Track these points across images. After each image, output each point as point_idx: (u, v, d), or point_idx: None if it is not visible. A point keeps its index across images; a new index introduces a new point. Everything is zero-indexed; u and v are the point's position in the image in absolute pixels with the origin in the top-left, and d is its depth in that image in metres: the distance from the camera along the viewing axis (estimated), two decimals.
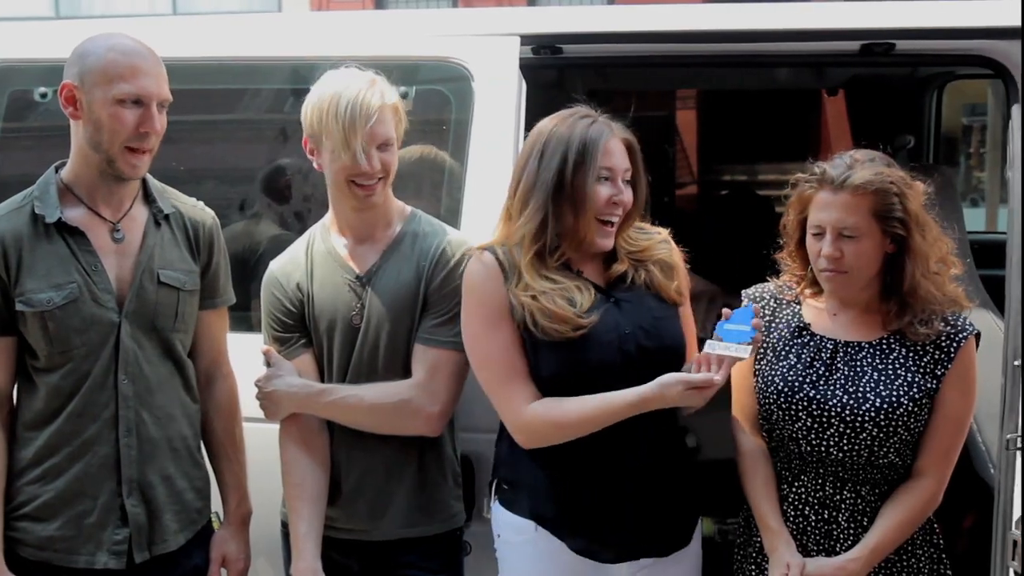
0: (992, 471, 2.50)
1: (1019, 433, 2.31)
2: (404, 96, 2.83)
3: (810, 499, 2.12)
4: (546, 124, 2.14)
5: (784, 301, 2.21)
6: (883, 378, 2.05)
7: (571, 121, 2.11)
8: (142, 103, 2.06)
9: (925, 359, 2.07)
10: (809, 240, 2.09)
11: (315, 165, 2.26)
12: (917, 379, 2.05)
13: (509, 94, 2.61)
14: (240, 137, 3.14)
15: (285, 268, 2.31)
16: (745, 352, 1.98)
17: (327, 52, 2.79)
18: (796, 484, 2.14)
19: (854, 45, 2.59)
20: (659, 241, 2.21)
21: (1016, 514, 2.36)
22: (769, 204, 4.67)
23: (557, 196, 2.07)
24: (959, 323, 2.09)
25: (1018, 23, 2.51)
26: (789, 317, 2.19)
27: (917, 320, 2.06)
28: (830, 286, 2.11)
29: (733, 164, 8.03)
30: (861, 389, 2.05)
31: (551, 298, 2.04)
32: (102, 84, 2.04)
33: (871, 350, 2.09)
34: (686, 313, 2.22)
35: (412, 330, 2.23)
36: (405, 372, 2.23)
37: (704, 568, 2.28)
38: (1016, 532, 2.34)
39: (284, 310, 2.28)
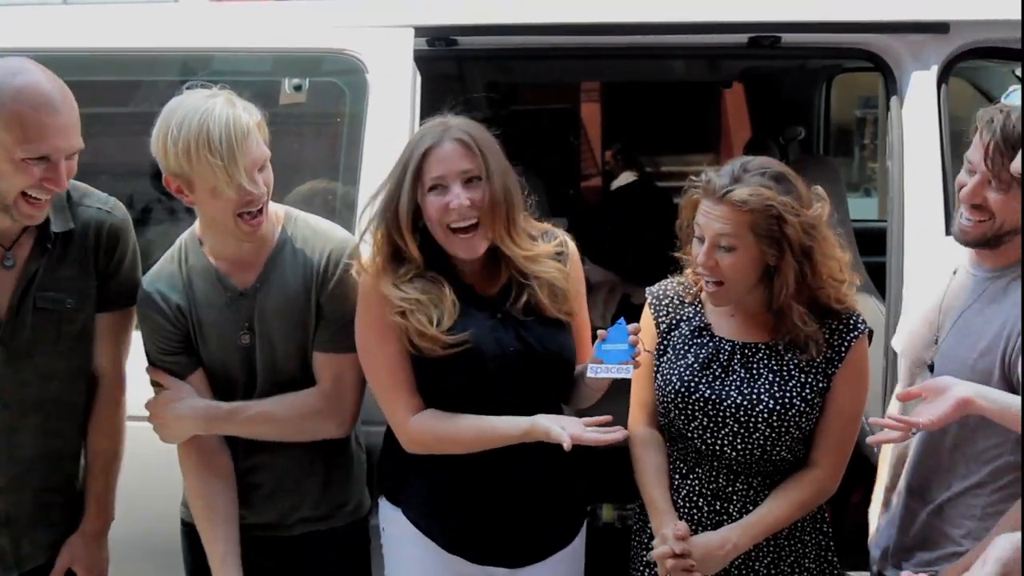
0: (875, 449, 2.59)
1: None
2: (298, 88, 2.81)
3: (703, 491, 2.15)
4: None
5: (686, 300, 2.22)
6: (777, 379, 2.08)
7: (418, 131, 2.09)
8: (49, 159, 1.93)
9: (818, 359, 2.08)
10: (693, 244, 2.09)
11: (185, 202, 2.10)
12: (810, 380, 2.08)
13: (404, 86, 2.60)
14: (132, 131, 3.06)
15: (160, 288, 2.18)
16: (628, 372, 1.99)
17: (221, 43, 2.75)
18: (691, 476, 2.17)
19: (742, 38, 2.64)
20: (551, 253, 2.14)
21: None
22: (668, 196, 4.75)
23: (396, 214, 2.04)
24: (851, 322, 2.10)
25: (896, 18, 2.62)
26: (691, 316, 2.20)
27: (794, 331, 2.06)
28: (708, 296, 2.12)
29: (637, 155, 8.13)
30: (756, 391, 2.08)
31: (415, 316, 2.02)
32: (5, 137, 1.88)
33: (767, 351, 2.11)
34: (578, 322, 2.20)
35: (309, 340, 2.19)
36: (307, 379, 2.20)
37: (603, 554, 2.31)
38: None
39: (167, 332, 2.18)
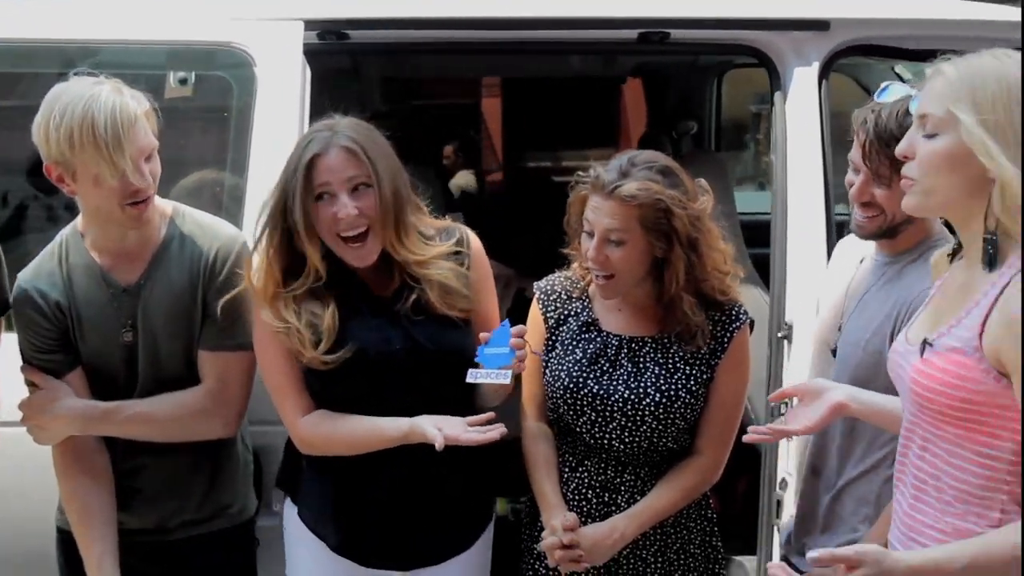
0: None
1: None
2: (183, 82, 2.74)
3: (592, 483, 2.17)
4: None
5: (574, 295, 2.23)
6: (663, 372, 2.11)
7: (302, 138, 2.06)
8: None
9: (703, 351, 2.12)
10: (582, 238, 2.10)
11: (67, 191, 2.04)
12: (695, 371, 2.12)
13: (293, 80, 2.55)
14: (11, 125, 2.95)
15: (39, 286, 2.10)
16: (506, 378, 1.98)
17: (104, 35, 2.66)
18: (580, 469, 2.19)
19: (632, 33, 2.67)
20: (445, 253, 2.11)
21: (780, 476, 2.53)
22: (566, 190, 4.79)
23: (287, 225, 2.00)
24: (733, 313, 2.15)
25: (779, 15, 2.69)
26: (579, 311, 2.21)
27: (675, 336, 2.11)
28: (598, 290, 2.14)
29: (537, 151, 8.19)
30: (642, 384, 2.11)
31: (295, 337, 2.00)
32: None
33: (653, 345, 2.14)
34: (482, 318, 2.15)
35: (194, 338, 2.14)
36: (192, 378, 2.16)
37: (497, 547, 2.32)
38: (780, 492, 2.52)
39: (43, 329, 2.10)
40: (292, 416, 2.09)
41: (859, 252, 2.22)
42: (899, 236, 2.06)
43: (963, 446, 1.56)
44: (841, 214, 2.49)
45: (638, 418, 2.10)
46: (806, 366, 2.40)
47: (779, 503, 2.53)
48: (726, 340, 2.13)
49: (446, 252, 2.11)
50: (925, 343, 1.60)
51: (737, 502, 3.36)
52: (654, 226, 2.01)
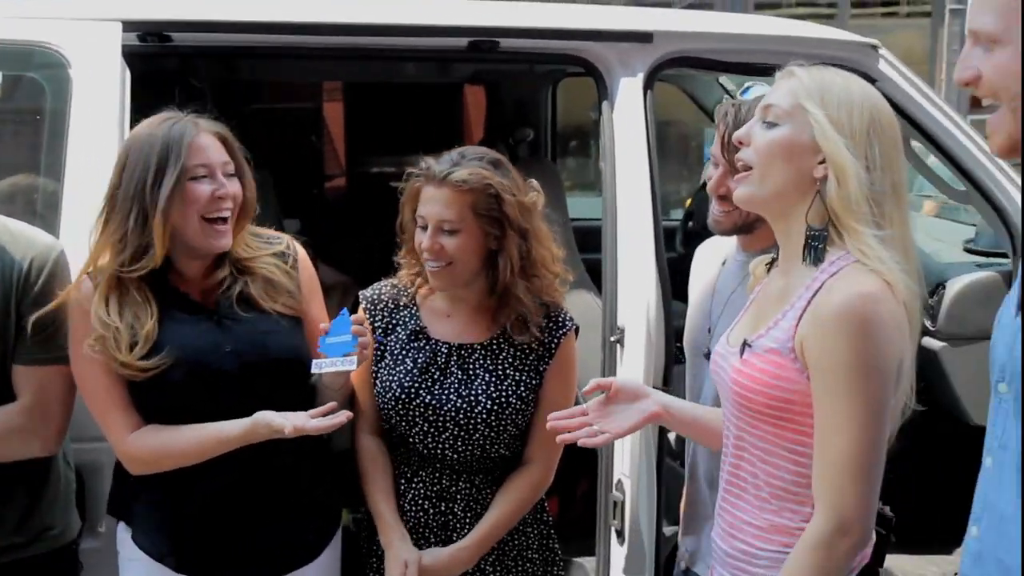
0: None
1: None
2: None
3: (428, 493, 2.17)
4: (132, 133, 2.05)
5: (401, 304, 2.22)
6: (493, 379, 2.13)
7: (153, 125, 2.01)
8: None
9: (531, 357, 2.15)
10: (416, 233, 2.12)
11: None
12: (524, 378, 2.14)
13: (111, 83, 2.45)
14: None
15: None
16: (352, 364, 1.98)
17: None
18: (415, 480, 2.18)
19: (463, 41, 2.69)
20: (273, 252, 2.14)
21: (615, 477, 2.59)
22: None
23: (145, 205, 1.96)
24: (560, 319, 2.18)
25: (605, 27, 2.76)
26: (407, 319, 2.20)
27: (516, 319, 2.13)
28: (434, 280, 2.13)
29: (380, 156, 8.11)
30: (474, 392, 2.12)
31: (109, 344, 1.94)
32: None
33: (483, 351, 2.15)
34: (311, 319, 2.14)
35: (7, 353, 2.03)
36: (6, 395, 2.04)
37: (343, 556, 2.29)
38: (616, 494, 2.57)
39: None
40: (119, 434, 2.00)
41: (720, 254, 2.27)
42: (755, 232, 2.09)
43: (777, 444, 1.62)
44: (671, 220, 2.59)
45: (471, 426, 2.10)
46: (639, 369, 2.46)
47: (616, 504, 2.58)
48: (553, 346, 2.16)
49: (272, 252, 2.14)
50: (745, 344, 1.66)
51: (577, 504, 3.42)
52: (486, 212, 2.05)
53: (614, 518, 2.57)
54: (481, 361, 2.14)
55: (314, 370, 1.99)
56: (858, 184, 1.55)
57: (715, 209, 2.12)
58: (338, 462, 2.28)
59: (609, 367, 2.63)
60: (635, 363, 2.50)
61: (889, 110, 1.63)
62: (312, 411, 1.97)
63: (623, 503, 2.52)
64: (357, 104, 7.80)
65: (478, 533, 2.13)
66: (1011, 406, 1.29)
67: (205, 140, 2.01)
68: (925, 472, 3.19)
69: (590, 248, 3.46)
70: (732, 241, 2.22)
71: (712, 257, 2.31)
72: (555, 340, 2.16)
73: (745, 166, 1.66)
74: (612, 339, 2.62)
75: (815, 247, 1.59)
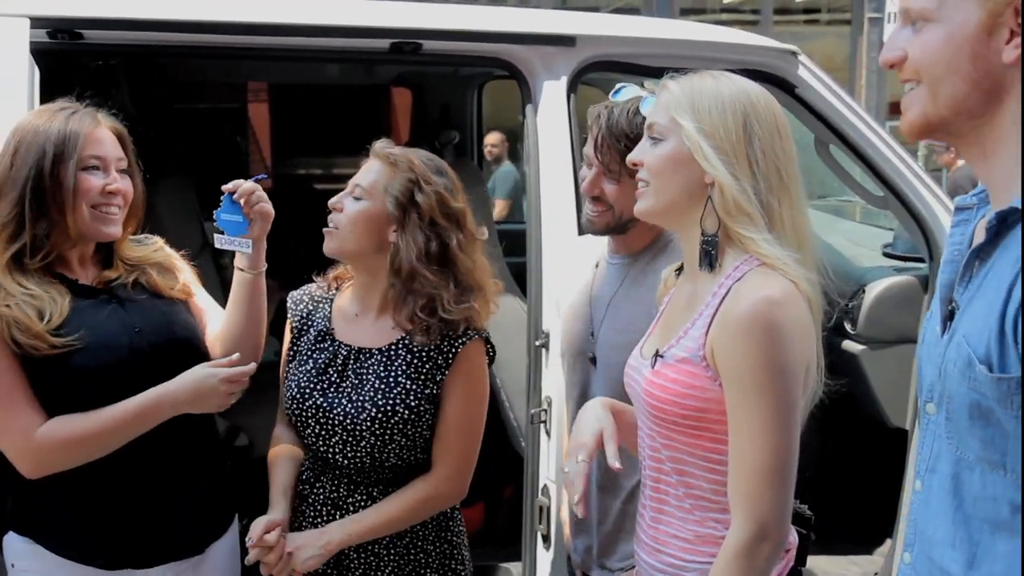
0: (523, 444, 2.69)
1: (542, 407, 2.52)
2: None
3: (326, 500, 2.13)
4: (23, 120, 2.01)
5: (319, 304, 2.21)
6: (383, 386, 2.08)
7: (49, 114, 1.99)
8: None
9: (427, 366, 2.09)
10: None
11: None
12: (415, 386, 2.09)
13: (19, 80, 2.36)
14: None
15: None
16: (248, 247, 2.06)
17: None
18: (316, 486, 2.16)
19: (384, 43, 2.65)
20: (154, 249, 2.18)
21: (541, 482, 2.58)
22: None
23: (38, 193, 1.93)
24: (461, 328, 2.11)
25: (528, 30, 2.75)
26: (319, 320, 2.19)
27: (420, 312, 2.08)
28: (326, 242, 2.12)
29: (306, 158, 8.04)
30: (362, 398, 2.08)
31: (21, 308, 1.89)
32: None
33: (379, 357, 2.11)
34: (198, 305, 2.20)
35: None
36: None
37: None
38: (542, 499, 2.56)
39: None
40: (24, 432, 1.92)
41: (591, 257, 2.25)
42: (629, 233, 2.10)
43: (695, 455, 1.62)
44: None
45: (357, 432, 2.07)
46: (562, 373, 2.45)
47: (542, 509, 2.57)
48: (451, 354, 2.09)
49: (154, 249, 2.19)
50: (657, 355, 1.66)
51: (503, 509, 3.41)
52: (397, 193, 2.06)
53: (540, 523, 2.56)
54: (375, 367, 2.10)
55: (217, 245, 2.04)
56: (738, 192, 1.57)
57: (588, 209, 2.12)
58: (225, 462, 2.29)
59: (534, 371, 2.62)
60: (560, 367, 2.49)
61: (766, 99, 1.65)
62: (213, 363, 2.00)
63: (549, 508, 2.51)
64: (282, 105, 7.71)
65: (351, 517, 2.08)
66: (940, 428, 1.26)
67: (102, 133, 2.01)
68: (846, 472, 3.25)
69: (515, 252, 3.46)
70: (602, 243, 2.22)
71: (583, 259, 2.29)
72: (453, 348, 2.10)
73: (642, 181, 1.69)
74: (537, 343, 2.60)
75: (708, 252, 1.62)
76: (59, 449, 1.94)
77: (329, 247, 2.12)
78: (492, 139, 6.89)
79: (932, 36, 1.24)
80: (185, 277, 2.18)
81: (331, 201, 2.11)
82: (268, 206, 2.09)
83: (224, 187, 2.07)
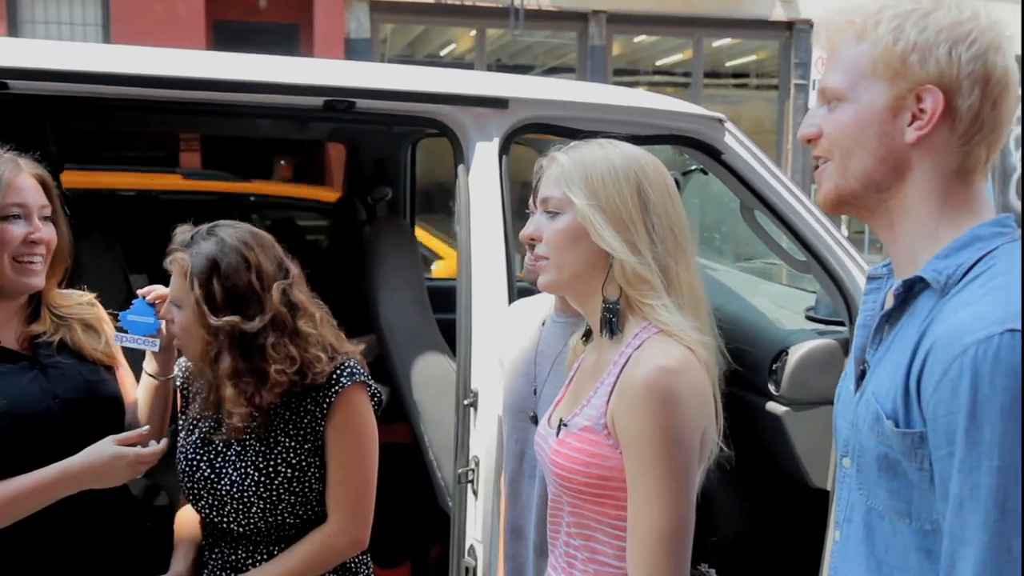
0: (450, 503, 2.67)
1: (469, 467, 2.51)
2: None
3: (226, 564, 2.11)
4: None
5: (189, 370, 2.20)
6: (264, 448, 2.06)
7: None
8: None
9: (306, 419, 2.07)
10: None
11: None
12: (295, 443, 2.06)
13: None
14: None
15: None
16: (155, 345, 2.03)
17: None
18: (215, 550, 2.13)
19: (318, 100, 2.66)
20: (84, 302, 2.15)
21: (468, 543, 2.56)
22: None
23: None
24: (335, 376, 2.08)
25: (461, 91, 2.78)
26: (202, 390, 2.14)
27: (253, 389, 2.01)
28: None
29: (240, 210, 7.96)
30: (245, 463, 2.05)
31: None
32: None
33: (260, 419, 2.06)
34: (122, 374, 2.18)
35: None
36: None
37: None
38: (469, 559, 2.54)
39: None
40: None
41: (537, 315, 2.26)
42: None
43: (600, 521, 1.64)
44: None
45: (246, 500, 2.04)
46: (492, 433, 2.44)
47: (468, 570, 2.55)
48: (326, 403, 2.07)
49: (80, 302, 2.17)
50: (561, 423, 1.68)
51: (430, 569, 3.37)
52: (203, 285, 1.94)
53: None
54: (257, 430, 2.07)
55: (116, 342, 2.03)
56: (636, 263, 1.61)
57: (529, 259, 2.13)
58: (143, 523, 2.28)
59: (462, 430, 2.61)
60: (489, 427, 2.49)
61: (655, 164, 1.69)
62: (119, 436, 1.96)
63: (475, 569, 2.49)
64: (215, 156, 7.65)
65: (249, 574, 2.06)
66: (853, 480, 1.34)
67: (24, 181, 1.98)
68: (768, 532, 3.28)
69: (445, 309, 3.46)
70: (549, 302, 2.23)
71: (529, 318, 2.29)
72: (328, 397, 2.07)
73: (541, 256, 1.71)
74: (466, 402, 2.60)
75: (609, 319, 1.64)
76: None
77: (169, 368, 2.17)
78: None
79: (843, 115, 1.33)
80: (107, 340, 2.15)
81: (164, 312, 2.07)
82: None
83: (139, 291, 2.07)
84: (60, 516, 1.95)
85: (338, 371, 2.09)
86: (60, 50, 2.73)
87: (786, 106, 13.86)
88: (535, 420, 2.13)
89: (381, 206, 4.32)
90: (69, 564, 1.99)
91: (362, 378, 2.12)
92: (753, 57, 14.95)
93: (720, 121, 2.96)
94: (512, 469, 2.19)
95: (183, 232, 2.03)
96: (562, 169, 1.68)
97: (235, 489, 2.03)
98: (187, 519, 2.18)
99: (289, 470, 2.04)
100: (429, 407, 3.03)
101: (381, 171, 4.50)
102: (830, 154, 1.34)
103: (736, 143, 2.96)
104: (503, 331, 2.43)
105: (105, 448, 1.93)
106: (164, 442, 1.99)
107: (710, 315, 1.70)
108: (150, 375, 2.09)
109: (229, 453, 2.07)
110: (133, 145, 7.14)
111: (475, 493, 2.49)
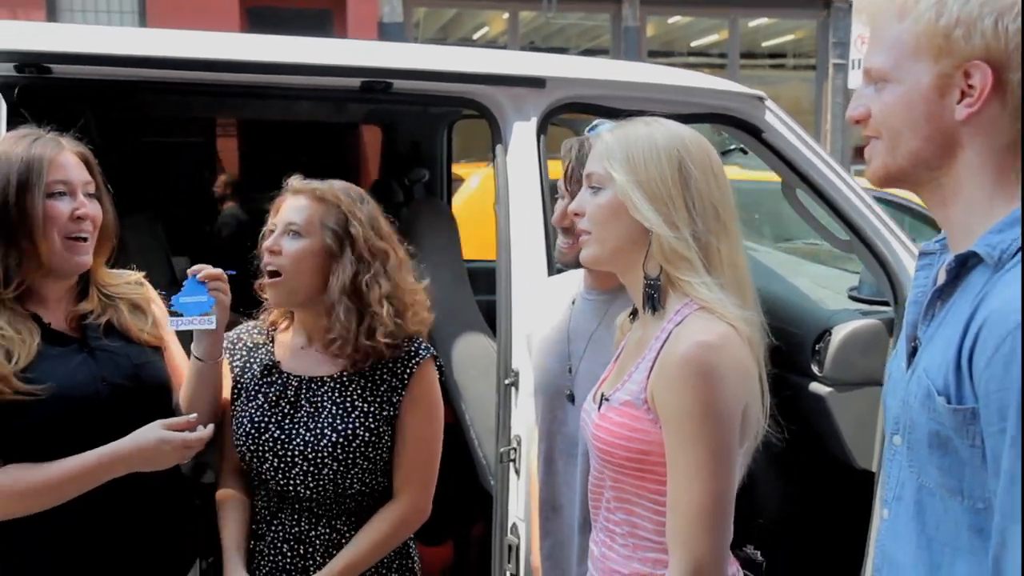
0: (492, 482, 2.68)
1: (511, 446, 2.51)
2: None
3: (287, 536, 2.12)
4: None
5: (259, 341, 2.22)
6: (340, 412, 2.10)
7: (12, 143, 1.97)
8: None
9: (382, 388, 2.13)
10: (268, 238, 2.14)
11: None
12: (373, 409, 2.11)
13: None
14: None
15: None
16: (211, 323, 2.02)
17: None
18: (274, 522, 2.14)
19: (355, 82, 2.66)
20: (132, 282, 2.15)
21: (511, 521, 2.56)
22: None
23: (5, 223, 1.91)
24: (413, 348, 2.16)
25: (499, 71, 2.77)
26: (262, 356, 2.19)
27: (361, 344, 2.09)
28: (271, 294, 2.14)
29: (274, 192, 8.00)
30: (320, 425, 2.09)
31: None
32: None
33: (332, 384, 2.13)
34: (171, 354, 2.17)
35: None
36: None
37: None
38: (512, 538, 2.54)
39: None
40: None
41: (567, 294, 2.25)
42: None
43: (640, 495, 1.65)
44: None
45: (319, 460, 2.07)
46: (532, 412, 2.44)
47: (511, 548, 2.55)
48: (406, 376, 2.13)
49: (127, 280, 2.17)
50: (603, 398, 1.70)
51: (473, 548, 3.38)
52: (333, 225, 2.09)
53: (509, 562, 2.55)
54: (329, 394, 2.12)
55: (171, 327, 2.01)
56: (675, 239, 1.61)
57: (560, 241, 2.15)
58: (191, 501, 2.26)
59: (504, 409, 2.61)
60: (529, 406, 2.48)
61: (699, 141, 1.70)
62: (167, 421, 1.95)
63: (518, 547, 2.49)
64: (251, 140, 7.68)
65: (334, 567, 2.08)
66: (904, 457, 1.33)
67: (67, 158, 1.99)
68: (812, 514, 3.25)
69: (484, 290, 3.46)
70: (577, 280, 2.22)
71: (558, 297, 2.28)
72: (408, 370, 2.14)
73: (583, 231, 1.74)
74: (507, 382, 2.60)
75: (650, 295, 1.66)
76: (7, 498, 1.91)
77: (277, 299, 2.12)
78: (218, 182, 6.83)
79: (890, 96, 1.31)
80: (154, 321, 2.13)
81: (266, 244, 2.10)
82: (226, 297, 2.09)
83: (189, 270, 2.06)
84: (109, 495, 1.96)
85: (415, 344, 2.16)
86: (101, 34, 2.76)
87: (824, 86, 13.70)
88: (571, 399, 2.14)
89: (418, 188, 4.32)
90: (117, 543, 2.00)
91: (432, 353, 2.19)
92: (790, 37, 14.78)
93: (760, 99, 2.93)
94: (547, 447, 2.20)
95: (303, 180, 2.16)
96: (606, 146, 1.70)
97: (308, 450, 2.06)
98: (231, 514, 2.16)
99: (367, 434, 2.08)
100: (470, 387, 3.03)
101: (417, 153, 4.50)
102: (879, 134, 1.33)
103: (777, 121, 2.93)
104: (532, 310, 2.43)
105: (152, 432, 1.94)
106: (211, 428, 1.99)
107: (755, 294, 1.69)
108: (198, 359, 2.09)
109: (299, 415, 2.10)
110: (169, 130, 7.19)
111: (517, 472, 2.50)
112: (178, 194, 6.44)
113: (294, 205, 2.12)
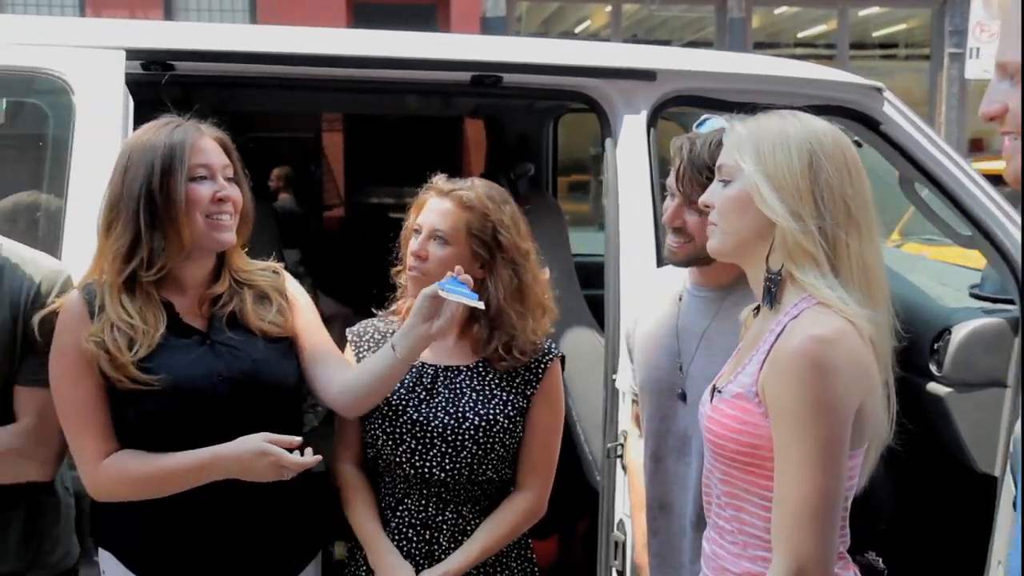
0: (598, 478, 2.67)
1: (619, 441, 2.50)
2: None
3: (413, 521, 2.15)
4: (130, 139, 2.07)
5: (389, 332, 2.23)
6: (481, 398, 2.15)
7: (154, 130, 2.02)
8: None
9: (517, 380, 2.18)
10: (412, 240, 2.16)
11: None
12: (511, 398, 2.16)
13: (114, 110, 2.44)
14: None
15: None
16: (480, 302, 1.99)
17: None
18: (400, 508, 2.17)
19: (465, 76, 2.68)
20: (267, 270, 2.17)
21: (617, 517, 2.55)
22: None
23: (150, 207, 1.95)
24: (544, 346, 2.22)
25: (609, 64, 2.75)
26: None
27: (502, 349, 2.15)
28: (413, 288, 2.13)
29: (379, 187, 8.13)
30: (461, 409, 2.13)
31: (115, 339, 1.91)
32: None
33: (469, 372, 2.18)
34: (304, 341, 2.12)
35: (10, 373, 2.01)
36: (6, 417, 2.01)
37: None
38: (618, 534, 2.53)
39: None
40: (89, 462, 1.96)
41: (672, 290, 2.20)
42: (715, 264, 2.03)
43: (750, 491, 1.63)
44: None
45: (458, 443, 2.11)
46: (631, 409, 2.42)
47: (617, 545, 2.54)
48: (540, 370, 2.19)
49: (262, 268, 2.18)
50: (715, 390, 1.69)
51: (578, 544, 3.38)
52: (479, 234, 2.11)
53: (615, 559, 2.54)
54: (468, 381, 2.17)
55: (441, 293, 1.96)
56: (800, 234, 1.59)
57: (671, 240, 2.12)
58: (322, 486, 2.25)
59: (611, 405, 2.60)
60: (628, 402, 2.47)
61: (834, 135, 1.66)
62: (273, 436, 1.91)
63: (624, 544, 2.48)
64: (357, 135, 7.81)
65: (466, 555, 2.12)
66: None
67: (207, 143, 2.03)
68: (930, 519, 3.15)
69: (592, 284, 3.45)
70: (682, 276, 2.19)
71: (663, 292, 2.24)
72: (542, 364, 2.20)
73: (711, 223, 1.73)
74: (614, 377, 2.59)
75: (770, 289, 1.64)
76: (118, 483, 1.97)
77: (417, 292, 2.08)
78: (274, 175, 6.81)
79: None
80: (287, 303, 2.13)
81: (413, 249, 2.12)
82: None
83: (452, 270, 2.01)
84: (220, 488, 1.98)
85: (548, 342, 2.23)
86: (219, 32, 2.84)
87: (939, 77, 13.23)
88: (683, 397, 2.09)
89: (523, 182, 4.32)
90: (230, 530, 2.02)
91: (561, 352, 2.26)
92: (903, 26, 14.32)
93: (879, 90, 2.85)
94: (655, 446, 2.17)
95: (451, 180, 2.18)
96: (737, 137, 1.68)
97: (448, 432, 2.11)
98: (365, 513, 2.17)
99: (506, 421, 2.14)
100: (577, 382, 3.03)
101: (523, 147, 4.50)
102: (1019, 130, 1.27)
103: (896, 112, 2.85)
104: (634, 304, 2.41)
105: (252, 442, 1.93)
106: (315, 458, 1.94)
107: (886, 295, 1.65)
108: (395, 351, 2.03)
109: (437, 400, 2.14)
110: (279, 126, 7.36)
111: (624, 468, 2.48)
112: (289, 186, 6.61)
113: (439, 208, 2.13)
